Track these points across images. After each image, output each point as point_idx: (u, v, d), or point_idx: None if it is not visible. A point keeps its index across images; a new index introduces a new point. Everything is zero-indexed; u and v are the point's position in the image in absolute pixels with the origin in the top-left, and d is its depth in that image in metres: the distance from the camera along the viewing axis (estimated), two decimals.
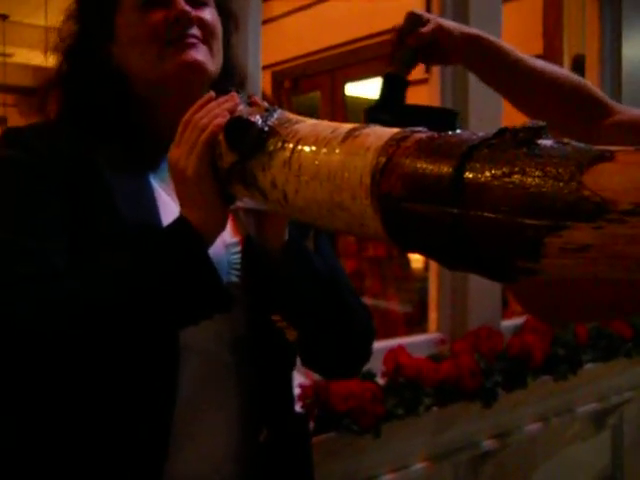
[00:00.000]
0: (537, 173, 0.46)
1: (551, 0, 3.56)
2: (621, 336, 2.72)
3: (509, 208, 0.47)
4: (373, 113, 1.08)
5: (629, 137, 1.20)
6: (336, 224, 0.64)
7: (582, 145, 0.47)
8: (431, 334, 2.37)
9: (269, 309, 0.94)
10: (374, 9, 3.82)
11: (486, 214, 0.48)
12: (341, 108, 4.48)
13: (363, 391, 1.89)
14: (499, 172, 0.48)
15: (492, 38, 1.20)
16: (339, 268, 1.08)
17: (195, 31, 0.96)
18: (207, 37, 0.98)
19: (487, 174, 0.49)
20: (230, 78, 1.05)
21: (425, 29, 1.14)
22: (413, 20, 1.15)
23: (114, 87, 0.97)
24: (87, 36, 0.99)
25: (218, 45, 1.00)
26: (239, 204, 0.85)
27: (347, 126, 0.65)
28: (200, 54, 0.96)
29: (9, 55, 7.10)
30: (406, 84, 1.13)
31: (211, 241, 0.84)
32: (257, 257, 0.93)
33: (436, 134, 0.56)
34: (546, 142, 0.48)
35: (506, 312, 2.71)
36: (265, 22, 1.09)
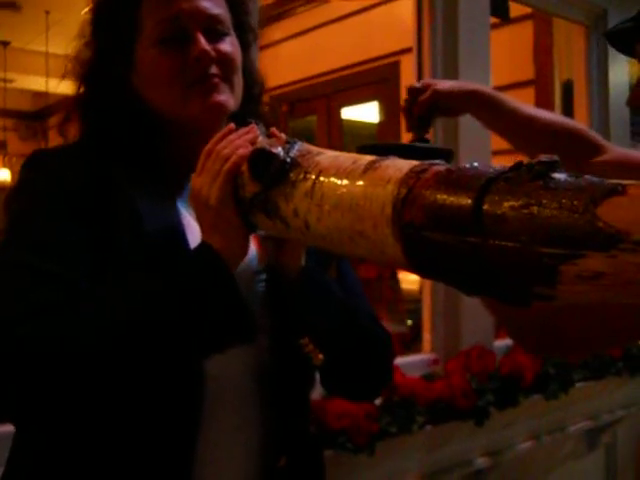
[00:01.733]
0: (553, 205, 0.50)
1: (541, 27, 3.64)
2: (611, 355, 2.76)
3: (527, 237, 0.50)
4: None
5: (615, 174, 1.27)
6: (357, 251, 0.67)
7: (595, 179, 0.51)
8: (425, 354, 2.39)
9: (294, 334, 0.95)
10: (369, 35, 3.89)
11: (505, 243, 0.52)
12: (337, 131, 4.54)
13: (358, 409, 1.91)
14: (517, 204, 0.52)
15: (489, 91, 1.33)
16: (361, 294, 1.10)
17: (216, 70, 0.96)
18: (228, 73, 0.98)
19: (505, 205, 0.52)
20: (250, 96, 1.05)
21: (422, 97, 1.27)
22: (413, 92, 1.29)
23: (134, 116, 0.98)
24: (105, 64, 0.99)
25: (239, 77, 1.01)
26: (259, 232, 0.87)
27: (367, 158, 0.69)
28: (223, 95, 0.96)
29: (10, 81, 7.13)
30: (428, 142, 1.28)
31: (233, 268, 0.85)
32: (282, 285, 0.95)
33: (454, 167, 0.59)
34: (560, 175, 0.52)
35: (499, 332, 2.74)
36: (262, 48, 1.12)
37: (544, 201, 0.50)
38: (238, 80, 1.01)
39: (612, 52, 3.05)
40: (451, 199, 0.56)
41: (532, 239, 0.50)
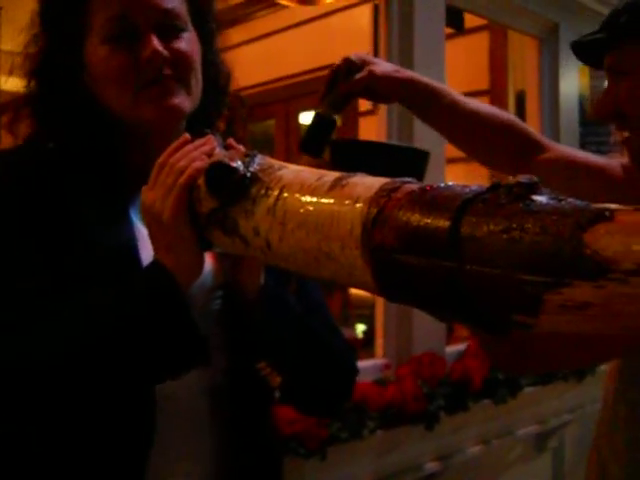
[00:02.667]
0: (536, 230, 0.47)
1: (496, 39, 3.69)
2: None
3: (508, 264, 0.47)
4: (305, 148, 1.11)
5: (565, 173, 1.26)
6: (322, 273, 0.63)
7: (579, 202, 0.48)
8: (377, 359, 2.39)
9: (250, 356, 0.91)
10: (327, 42, 3.88)
11: (483, 269, 0.49)
12: (295, 136, 4.52)
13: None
14: (496, 228, 0.48)
15: (427, 80, 1.23)
16: (322, 308, 1.06)
17: (170, 71, 0.90)
18: (184, 73, 0.92)
19: (484, 229, 0.49)
20: (215, 88, 1.01)
21: (359, 76, 1.16)
22: (348, 65, 1.18)
23: (85, 115, 0.93)
24: (54, 60, 0.94)
25: (197, 76, 0.95)
26: (215, 249, 0.82)
27: (332, 174, 0.64)
28: (177, 97, 0.91)
29: None
30: (334, 125, 1.15)
31: (187, 286, 0.81)
32: (238, 304, 0.91)
33: (427, 186, 0.55)
34: (541, 198, 0.49)
35: (451, 338, 2.76)
36: (221, 51, 1.06)
37: (526, 225, 0.47)
38: (196, 79, 0.95)
39: (563, 65, 3.12)
40: (425, 220, 0.52)
41: (513, 265, 0.47)
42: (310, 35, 4.02)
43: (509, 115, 1.34)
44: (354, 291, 2.79)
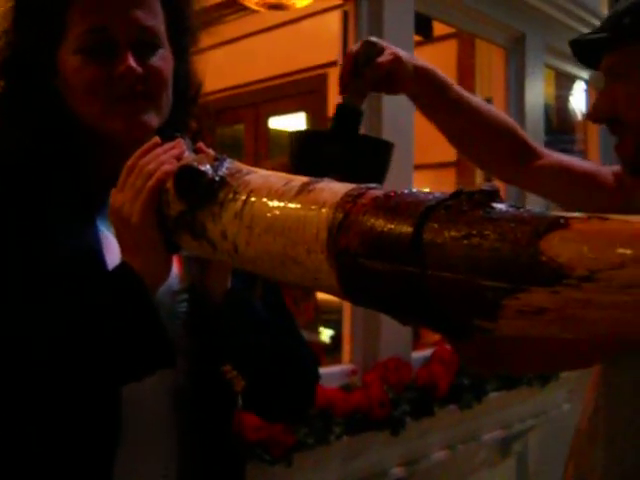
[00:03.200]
0: (495, 236, 0.48)
1: (464, 48, 3.74)
2: None
3: (468, 269, 0.49)
4: (322, 143, 1.04)
5: (559, 180, 1.28)
6: (288, 277, 0.63)
7: (537, 211, 0.49)
8: (344, 365, 2.40)
9: (215, 359, 0.91)
10: (297, 47, 3.89)
11: (445, 274, 0.50)
12: (264, 141, 4.52)
13: None
14: (458, 234, 0.50)
15: (441, 73, 1.21)
16: (287, 314, 1.07)
17: (142, 87, 0.91)
18: (155, 90, 0.93)
19: (446, 235, 0.50)
20: (184, 99, 1.02)
21: (382, 59, 1.10)
22: (369, 49, 1.10)
23: (54, 120, 0.93)
24: (24, 61, 0.93)
25: (167, 93, 0.96)
26: (182, 252, 0.83)
27: (300, 179, 0.65)
28: (147, 115, 0.91)
29: None
30: (360, 114, 1.09)
31: (154, 289, 0.81)
32: (203, 307, 0.91)
33: (392, 192, 0.57)
34: (501, 206, 0.50)
35: (417, 344, 2.78)
36: (193, 62, 1.06)
37: (486, 232, 0.49)
38: (166, 96, 0.96)
39: (529, 74, 3.18)
40: (389, 226, 0.53)
41: (473, 271, 0.49)
42: (280, 40, 4.03)
43: (508, 119, 1.34)
44: (321, 296, 2.80)
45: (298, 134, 1.07)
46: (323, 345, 2.95)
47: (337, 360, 2.50)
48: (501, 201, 0.51)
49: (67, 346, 0.78)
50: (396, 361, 2.37)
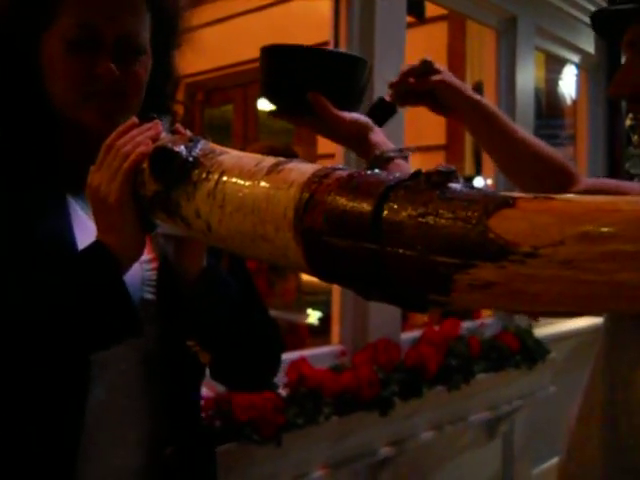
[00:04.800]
0: (448, 215, 0.51)
1: (455, 30, 3.74)
2: (510, 348, 2.87)
3: (423, 246, 0.52)
4: (293, 59, 1.08)
5: None
6: (259, 254, 0.66)
7: (488, 191, 0.52)
8: (333, 346, 2.43)
9: (182, 328, 0.95)
10: (287, 27, 3.87)
11: (402, 251, 0.53)
12: (253, 122, 4.51)
13: (264, 401, 1.91)
14: (414, 212, 0.53)
15: (491, 105, 1.31)
16: (252, 286, 1.11)
17: (118, 88, 0.94)
18: (130, 93, 0.96)
19: (403, 214, 0.53)
20: (162, 92, 1.05)
21: (432, 78, 1.23)
22: (426, 66, 1.24)
23: (30, 100, 0.96)
24: (7, 44, 0.96)
25: (140, 95, 0.99)
26: (158, 230, 0.86)
27: (270, 160, 0.68)
28: (119, 115, 0.94)
29: None
30: (394, 112, 1.23)
31: (127, 267, 0.85)
32: (172, 276, 0.94)
33: (355, 172, 0.59)
34: (456, 186, 0.53)
35: (406, 325, 2.81)
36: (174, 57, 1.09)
37: (440, 211, 0.51)
38: (139, 99, 0.99)
39: (520, 57, 3.18)
40: (351, 205, 0.56)
41: (428, 248, 0.51)
42: (270, 20, 4.01)
43: (550, 148, 1.39)
44: (308, 278, 2.82)
45: (268, 49, 1.09)
46: (309, 326, 2.97)
47: (326, 341, 2.52)
48: (457, 181, 0.54)
49: (36, 315, 0.81)
50: (385, 342, 2.39)
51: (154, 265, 0.98)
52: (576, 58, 3.81)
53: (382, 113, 1.21)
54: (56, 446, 0.89)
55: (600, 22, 1.18)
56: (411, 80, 1.23)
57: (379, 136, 1.07)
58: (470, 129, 1.36)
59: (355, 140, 1.08)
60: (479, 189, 0.52)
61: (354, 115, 1.07)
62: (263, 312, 1.09)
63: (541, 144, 1.38)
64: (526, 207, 0.49)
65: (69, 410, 0.89)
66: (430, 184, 0.54)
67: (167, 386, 0.99)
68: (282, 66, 1.05)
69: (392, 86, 1.24)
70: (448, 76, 1.26)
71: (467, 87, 1.31)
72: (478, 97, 1.30)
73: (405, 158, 1.04)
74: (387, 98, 1.23)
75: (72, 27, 0.93)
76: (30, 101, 0.97)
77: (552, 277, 0.47)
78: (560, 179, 1.34)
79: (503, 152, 1.35)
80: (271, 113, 1.10)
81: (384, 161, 1.03)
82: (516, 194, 0.50)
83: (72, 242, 0.90)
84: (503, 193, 0.51)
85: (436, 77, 1.24)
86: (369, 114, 1.19)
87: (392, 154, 1.03)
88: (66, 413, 0.89)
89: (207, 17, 4.07)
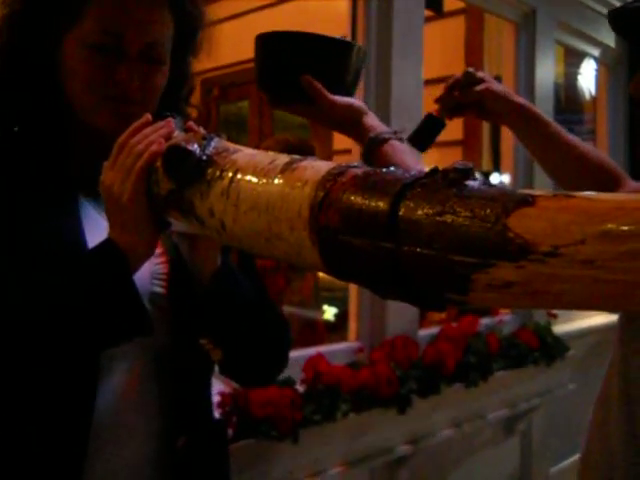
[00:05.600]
0: (466, 214, 0.50)
1: (473, 24, 3.70)
2: (529, 345, 2.84)
3: (440, 245, 0.51)
4: (413, 143, 1.15)
5: None
6: (274, 253, 0.66)
7: (507, 188, 0.51)
8: (350, 342, 2.42)
9: (194, 324, 0.95)
10: (304, 23, 3.85)
11: (419, 250, 0.52)
12: (269, 117, 4.50)
13: (281, 398, 1.91)
14: (431, 211, 0.52)
15: (535, 109, 1.33)
16: (261, 283, 1.11)
17: (136, 95, 0.94)
18: (146, 100, 0.97)
19: (420, 212, 0.52)
20: (177, 95, 1.05)
21: (476, 88, 1.26)
22: (469, 77, 1.29)
23: (46, 97, 0.97)
24: (29, 41, 0.96)
25: (154, 103, 0.99)
26: (172, 228, 0.85)
27: (284, 158, 0.67)
28: (133, 118, 0.92)
29: None
30: (442, 126, 1.27)
31: (138, 266, 0.85)
32: (186, 273, 0.95)
33: (371, 170, 0.59)
34: (474, 183, 0.52)
35: (423, 322, 2.79)
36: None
37: (458, 209, 0.50)
38: (154, 104, 1.00)
39: (540, 51, 3.15)
40: (367, 203, 0.55)
41: (445, 247, 0.50)
42: (287, 15, 3.99)
43: (596, 150, 1.41)
44: (324, 274, 2.80)
45: (260, 37, 1.09)
46: (325, 323, 2.96)
47: (342, 338, 2.52)
48: (475, 179, 0.53)
49: (43, 311, 0.81)
50: (403, 339, 2.38)
51: (163, 259, 0.99)
52: (596, 52, 3.77)
53: (431, 129, 1.26)
54: (66, 442, 0.89)
55: (618, 20, 1.18)
56: (456, 93, 1.27)
57: (373, 119, 1.07)
58: (516, 133, 1.37)
59: (350, 124, 1.07)
60: (497, 187, 0.51)
61: (348, 99, 1.07)
62: (274, 309, 1.09)
63: (587, 146, 1.39)
64: (546, 205, 0.48)
65: (79, 406, 0.90)
66: (447, 182, 0.53)
67: (178, 381, 0.99)
68: (274, 53, 1.06)
69: (438, 101, 1.29)
70: (492, 83, 1.29)
71: (512, 92, 1.35)
72: (523, 101, 1.32)
73: (400, 140, 1.04)
74: (434, 113, 1.28)
75: (97, 32, 0.93)
76: (47, 100, 0.97)
77: (573, 277, 0.46)
78: (606, 181, 1.33)
79: (549, 155, 1.36)
80: (268, 102, 1.10)
81: (379, 142, 1.03)
82: (535, 192, 0.49)
83: (82, 241, 0.91)
84: (522, 191, 0.50)
85: (481, 87, 1.27)
86: (418, 131, 1.24)
87: (387, 135, 1.03)
88: (76, 409, 0.90)
89: (223, 13, 4.06)
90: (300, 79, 1.02)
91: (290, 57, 1.04)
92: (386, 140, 1.04)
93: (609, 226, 0.45)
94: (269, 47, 1.07)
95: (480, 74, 1.30)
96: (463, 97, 1.27)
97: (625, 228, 0.45)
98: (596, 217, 0.45)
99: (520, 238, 0.47)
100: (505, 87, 1.35)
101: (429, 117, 1.27)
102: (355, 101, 1.08)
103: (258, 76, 1.07)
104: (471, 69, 1.31)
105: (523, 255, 0.47)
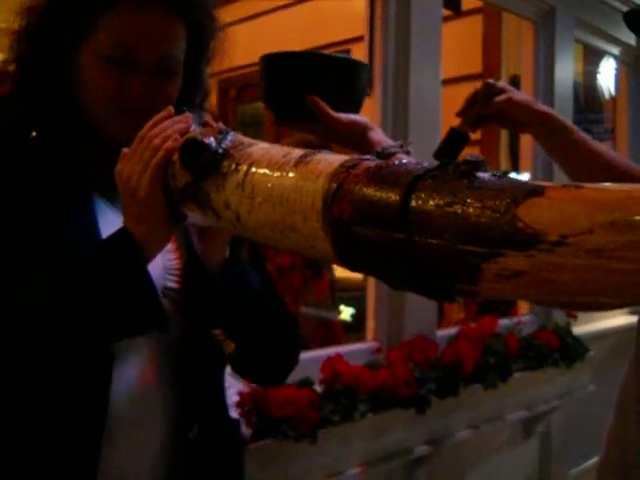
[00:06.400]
0: (476, 204, 0.51)
1: (491, 22, 3.69)
2: (548, 346, 2.83)
3: (451, 235, 0.51)
4: (291, 66, 1.12)
5: None
6: (288, 245, 0.67)
7: (517, 179, 0.52)
8: (368, 342, 2.42)
9: (208, 316, 0.96)
10: (320, 22, 3.87)
11: (430, 240, 0.52)
12: None
13: (300, 398, 1.92)
14: (442, 202, 0.52)
15: (560, 117, 1.32)
16: (270, 279, 1.12)
17: (151, 104, 0.95)
18: (160, 110, 0.95)
19: (431, 203, 0.53)
20: (191, 102, 1.06)
21: (498, 99, 1.26)
22: (489, 88, 1.28)
23: (61, 103, 0.98)
24: (45, 48, 0.98)
25: None
26: (189, 221, 0.87)
27: (298, 151, 0.68)
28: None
29: None
30: (466, 140, 1.28)
31: (151, 257, 0.86)
32: (198, 264, 0.96)
33: (383, 163, 0.59)
34: (484, 175, 0.53)
35: (442, 322, 2.79)
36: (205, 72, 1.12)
37: (468, 200, 0.51)
38: None
39: (559, 49, 3.13)
40: (379, 195, 0.56)
41: (456, 237, 0.51)
42: (304, 15, 4.00)
43: (621, 157, 1.40)
44: (341, 274, 2.81)
45: (264, 58, 1.11)
46: (341, 323, 2.96)
47: (359, 338, 2.52)
48: (485, 170, 0.54)
49: (61, 302, 0.83)
50: (422, 339, 2.38)
51: (176, 253, 1.00)
52: (616, 50, 3.74)
53: (455, 143, 1.26)
54: (81, 433, 0.90)
55: (635, 20, 1.18)
56: (478, 107, 1.26)
57: (379, 134, 1.08)
58: (540, 142, 1.37)
59: (355, 140, 1.09)
60: (508, 178, 0.52)
61: (352, 116, 1.08)
62: (283, 307, 1.10)
63: (612, 153, 1.39)
64: (555, 196, 0.48)
65: (93, 397, 0.91)
66: (458, 173, 0.53)
67: (192, 373, 1.00)
68: (279, 74, 1.08)
69: (460, 115, 1.28)
70: (513, 93, 1.28)
71: (534, 100, 1.34)
72: (546, 109, 1.32)
73: (407, 152, 1.04)
74: (456, 127, 1.27)
75: (111, 44, 0.94)
76: (62, 106, 0.98)
77: (581, 266, 0.46)
78: None
79: (573, 163, 1.35)
80: (275, 121, 1.12)
81: (386, 157, 1.04)
82: (545, 183, 0.50)
83: (98, 240, 0.92)
84: (532, 182, 0.50)
85: (502, 97, 1.26)
86: (442, 147, 1.25)
87: (393, 149, 1.04)
88: (90, 400, 0.91)
89: (239, 14, 4.09)
90: (305, 98, 1.04)
91: (294, 77, 1.06)
92: (392, 154, 1.04)
93: (617, 215, 0.45)
94: (273, 68, 1.09)
95: (500, 84, 1.30)
96: (485, 109, 1.27)
97: (633, 217, 0.45)
98: (604, 207, 0.46)
99: (529, 228, 0.48)
100: (527, 95, 1.35)
101: (452, 132, 1.27)
102: (359, 117, 1.10)
103: (264, 96, 1.10)
104: (491, 80, 1.30)
105: (532, 244, 0.48)
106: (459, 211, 0.51)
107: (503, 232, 0.49)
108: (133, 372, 0.95)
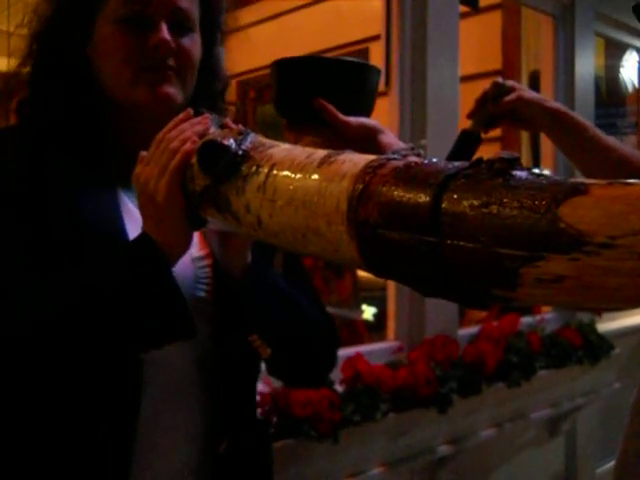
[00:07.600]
0: (514, 204, 0.47)
1: (510, 18, 3.66)
2: (572, 344, 2.79)
3: (486, 238, 0.48)
4: (301, 72, 1.10)
5: None
6: (310, 249, 0.64)
7: (556, 177, 0.48)
8: (389, 342, 2.40)
9: (240, 324, 0.94)
10: (338, 22, 3.86)
11: (463, 243, 0.49)
12: None
13: (321, 398, 1.91)
14: (476, 202, 0.49)
15: (572, 113, 1.31)
16: (309, 283, 1.10)
17: (172, 62, 0.94)
18: (183, 68, 0.97)
19: (464, 204, 0.50)
20: (211, 92, 1.05)
21: (507, 99, 1.25)
22: (498, 88, 1.27)
23: (83, 91, 0.96)
24: (62, 34, 0.96)
25: (193, 74, 0.99)
26: (209, 226, 0.84)
27: (322, 152, 0.65)
28: (172, 87, 0.95)
29: None
30: (479, 141, 1.26)
31: (173, 263, 0.83)
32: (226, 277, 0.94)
33: (412, 162, 0.56)
34: (521, 173, 0.50)
35: (463, 321, 2.76)
36: (232, 31, 1.10)
37: (504, 200, 0.48)
38: (191, 77, 0.99)
39: (579, 44, 3.09)
40: (408, 196, 0.53)
41: (492, 240, 0.48)
42: (321, 15, 3.99)
43: (635, 152, 1.36)
44: (363, 274, 2.80)
45: (274, 64, 1.10)
46: (365, 322, 2.94)
47: (381, 337, 2.50)
48: (521, 168, 0.50)
49: (86, 311, 0.81)
50: (443, 338, 2.36)
51: (208, 262, 0.97)
52: (638, 43, 3.68)
53: (468, 145, 1.25)
54: (111, 445, 0.88)
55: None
56: (488, 107, 1.26)
57: (389, 137, 1.06)
58: (553, 140, 1.35)
59: (366, 144, 1.07)
60: (546, 176, 0.49)
61: (362, 119, 1.06)
62: (320, 308, 1.08)
63: (627, 148, 1.35)
64: (600, 194, 0.45)
65: (123, 409, 0.89)
66: (492, 172, 0.50)
67: (222, 384, 0.98)
68: (288, 79, 1.07)
69: (471, 116, 1.28)
70: (524, 91, 1.27)
71: (545, 98, 1.32)
72: (558, 106, 1.30)
73: (418, 155, 1.02)
74: (468, 128, 1.27)
75: (121, 5, 0.93)
76: (82, 90, 0.97)
77: (631, 270, 0.43)
78: None
79: (588, 160, 1.32)
80: (285, 126, 1.10)
81: None
82: (588, 180, 0.46)
83: (122, 230, 0.90)
84: (573, 180, 0.47)
85: (512, 96, 1.25)
86: (455, 149, 1.24)
87: (404, 152, 1.01)
88: (120, 412, 0.89)
89: (258, 15, 4.09)
90: (313, 103, 1.03)
91: (303, 81, 1.05)
92: (404, 157, 1.02)
93: None
94: (282, 73, 1.08)
95: (509, 83, 1.28)
96: (495, 109, 1.26)
97: None
98: None
99: (573, 229, 0.44)
100: (537, 93, 1.33)
101: (464, 134, 1.27)
102: (369, 120, 1.08)
103: (275, 101, 1.09)
104: (499, 79, 1.29)
105: (576, 247, 0.44)
106: (495, 212, 0.48)
107: (543, 234, 0.46)
108: (162, 385, 0.92)
